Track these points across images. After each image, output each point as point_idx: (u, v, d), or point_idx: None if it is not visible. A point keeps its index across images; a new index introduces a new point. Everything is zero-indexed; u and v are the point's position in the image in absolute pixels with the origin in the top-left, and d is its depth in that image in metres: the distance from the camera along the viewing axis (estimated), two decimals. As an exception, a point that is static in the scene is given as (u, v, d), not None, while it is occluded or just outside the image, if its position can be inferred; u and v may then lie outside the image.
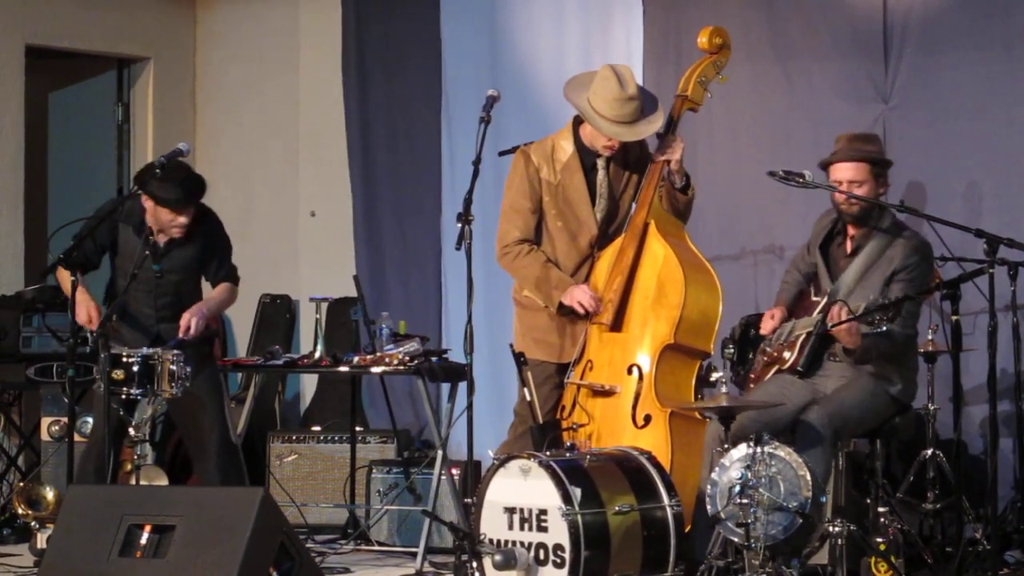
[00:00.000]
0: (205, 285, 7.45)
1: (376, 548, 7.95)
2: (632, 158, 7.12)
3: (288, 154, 9.99)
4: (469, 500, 6.58)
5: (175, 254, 7.13)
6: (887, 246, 6.64)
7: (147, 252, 6.93)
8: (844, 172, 6.66)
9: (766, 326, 6.84)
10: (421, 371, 7.51)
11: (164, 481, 7.80)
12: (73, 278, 6.86)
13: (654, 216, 7.00)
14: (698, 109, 7.26)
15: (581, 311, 6.95)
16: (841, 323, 6.37)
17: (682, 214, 7.12)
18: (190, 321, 7.08)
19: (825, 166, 6.74)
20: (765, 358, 6.82)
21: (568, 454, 6.33)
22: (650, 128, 6.98)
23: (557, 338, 7.06)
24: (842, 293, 6.61)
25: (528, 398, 6.79)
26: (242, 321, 9.85)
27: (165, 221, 7.08)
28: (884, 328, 6.24)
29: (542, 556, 6.12)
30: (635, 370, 6.84)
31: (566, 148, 7.06)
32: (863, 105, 8.07)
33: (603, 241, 7.09)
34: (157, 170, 6.92)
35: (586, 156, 7.06)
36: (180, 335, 7.05)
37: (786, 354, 6.71)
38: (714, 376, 6.71)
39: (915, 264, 6.60)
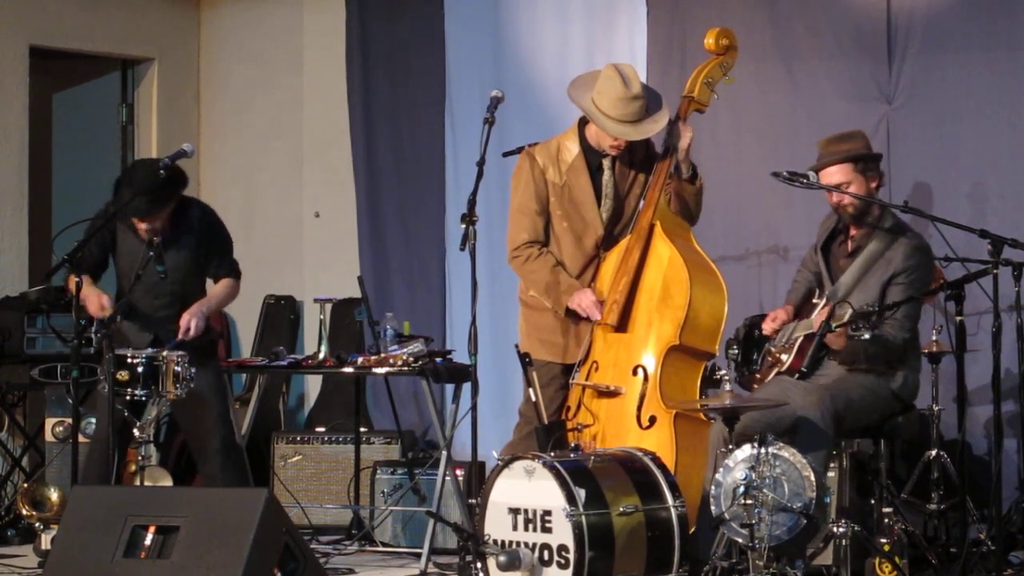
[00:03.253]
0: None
1: (380, 549, 7.95)
2: (638, 158, 7.12)
3: (292, 155, 10.00)
4: (473, 501, 6.58)
5: (170, 254, 7.08)
6: (887, 247, 6.63)
7: (151, 253, 6.92)
8: (830, 177, 6.66)
9: (767, 327, 6.84)
10: (425, 372, 7.51)
11: (168, 482, 7.79)
12: (78, 279, 6.86)
13: (660, 217, 7.00)
14: (704, 110, 7.26)
15: (583, 314, 6.96)
16: (841, 325, 6.36)
17: (692, 209, 7.10)
18: (189, 322, 7.07)
19: (816, 174, 6.73)
20: (770, 359, 6.82)
21: (572, 455, 6.33)
22: (655, 127, 6.98)
23: (561, 338, 7.06)
24: (841, 294, 6.61)
25: (533, 399, 6.79)
26: (246, 322, 9.86)
27: (139, 227, 7.05)
28: (867, 336, 6.24)
29: (546, 557, 6.12)
30: (640, 371, 6.84)
31: (572, 149, 7.06)
32: (867, 105, 8.08)
33: (609, 242, 7.09)
34: (128, 178, 6.94)
35: (592, 156, 7.06)
36: (180, 336, 7.04)
37: (784, 356, 6.71)
38: (719, 373, 6.72)
39: (914, 267, 6.59)
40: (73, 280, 6.90)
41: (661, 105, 7.02)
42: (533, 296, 7.11)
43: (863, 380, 6.59)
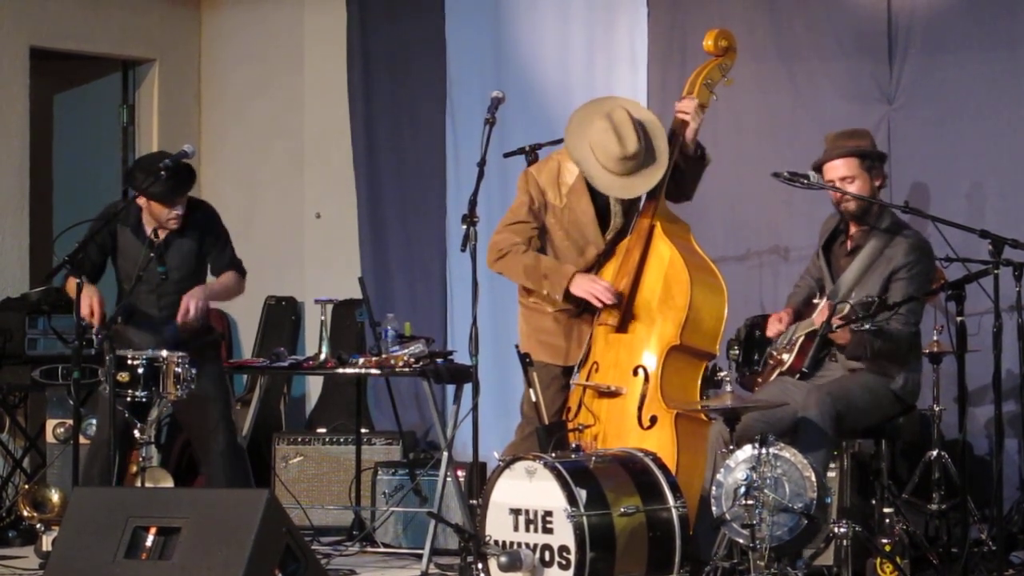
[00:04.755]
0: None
1: (381, 550, 7.95)
2: None
3: (293, 156, 10.00)
4: (474, 502, 6.58)
5: (173, 251, 7.11)
6: (886, 245, 6.63)
7: (152, 254, 6.93)
8: (835, 170, 6.66)
9: (772, 329, 6.84)
10: (426, 373, 7.51)
11: (169, 483, 7.80)
12: (79, 280, 6.86)
13: (660, 218, 6.99)
14: (704, 111, 7.24)
15: (598, 303, 6.90)
16: (842, 324, 6.36)
17: (688, 180, 7.08)
18: (189, 304, 7.06)
19: (818, 168, 6.71)
20: (772, 360, 6.82)
21: (573, 455, 6.33)
22: (647, 184, 6.91)
23: (563, 341, 7.05)
24: (842, 292, 6.60)
25: (534, 399, 6.79)
26: (247, 323, 9.86)
27: (162, 216, 7.07)
28: (868, 326, 6.23)
29: (547, 557, 6.12)
30: (641, 371, 6.84)
31: (572, 170, 7.00)
32: (867, 105, 8.08)
33: (610, 251, 7.07)
34: (142, 167, 6.97)
35: None
36: (179, 318, 7.03)
37: (785, 356, 6.71)
38: (720, 374, 6.72)
39: (914, 262, 6.58)
40: (74, 282, 6.90)
41: (656, 157, 6.93)
42: (535, 302, 7.09)
43: (864, 380, 6.58)
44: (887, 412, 6.67)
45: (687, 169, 7.05)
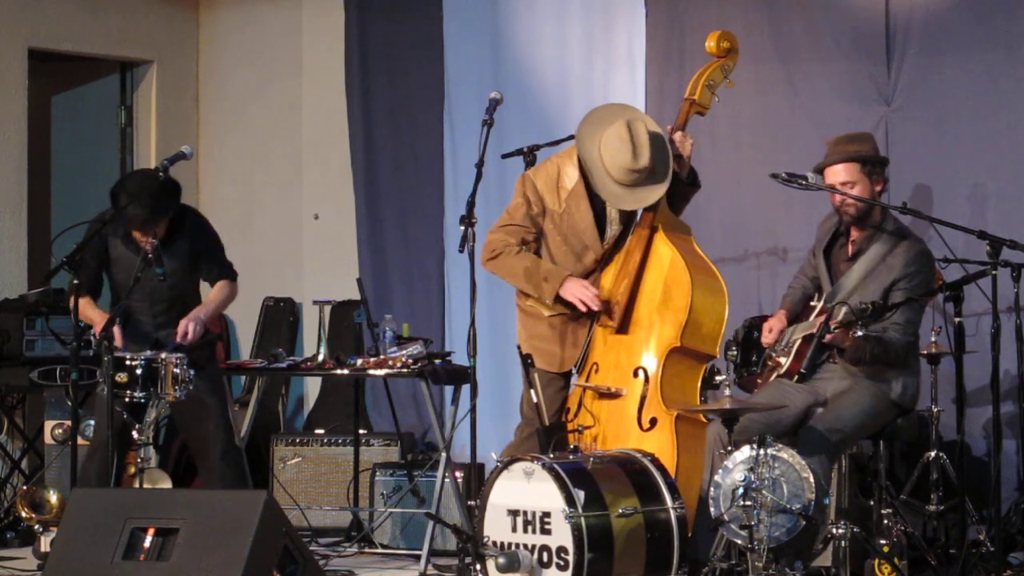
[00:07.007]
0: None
1: (379, 551, 7.95)
2: None
3: (291, 157, 10.00)
4: (473, 503, 6.58)
5: (164, 258, 7.08)
6: (888, 253, 6.61)
7: (148, 256, 6.91)
8: (835, 175, 6.65)
9: (765, 338, 6.83)
10: (424, 374, 7.51)
11: (167, 484, 7.79)
12: (85, 297, 6.90)
13: (661, 219, 6.99)
14: (705, 113, 7.23)
15: (584, 308, 6.91)
16: (840, 326, 6.35)
17: (676, 203, 7.10)
18: (187, 327, 7.07)
19: (819, 172, 6.70)
20: (770, 362, 6.82)
21: (571, 457, 6.33)
22: (652, 196, 6.89)
23: (558, 347, 7.02)
24: (840, 296, 6.59)
25: (535, 400, 6.78)
26: (246, 324, 9.86)
27: (139, 238, 7.05)
28: (860, 333, 6.22)
29: (545, 559, 6.12)
30: (641, 373, 6.84)
31: (571, 174, 6.99)
32: (866, 107, 8.08)
33: (609, 257, 7.07)
34: (127, 190, 6.94)
35: None
36: (178, 340, 7.04)
37: (782, 359, 6.71)
38: (718, 378, 6.71)
39: (915, 273, 6.56)
40: (87, 303, 6.93)
41: (667, 171, 6.91)
42: (532, 305, 7.08)
43: (863, 390, 6.55)
44: (885, 420, 6.66)
45: (677, 191, 7.05)
